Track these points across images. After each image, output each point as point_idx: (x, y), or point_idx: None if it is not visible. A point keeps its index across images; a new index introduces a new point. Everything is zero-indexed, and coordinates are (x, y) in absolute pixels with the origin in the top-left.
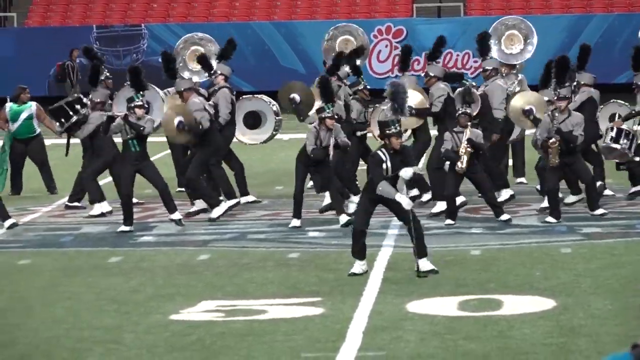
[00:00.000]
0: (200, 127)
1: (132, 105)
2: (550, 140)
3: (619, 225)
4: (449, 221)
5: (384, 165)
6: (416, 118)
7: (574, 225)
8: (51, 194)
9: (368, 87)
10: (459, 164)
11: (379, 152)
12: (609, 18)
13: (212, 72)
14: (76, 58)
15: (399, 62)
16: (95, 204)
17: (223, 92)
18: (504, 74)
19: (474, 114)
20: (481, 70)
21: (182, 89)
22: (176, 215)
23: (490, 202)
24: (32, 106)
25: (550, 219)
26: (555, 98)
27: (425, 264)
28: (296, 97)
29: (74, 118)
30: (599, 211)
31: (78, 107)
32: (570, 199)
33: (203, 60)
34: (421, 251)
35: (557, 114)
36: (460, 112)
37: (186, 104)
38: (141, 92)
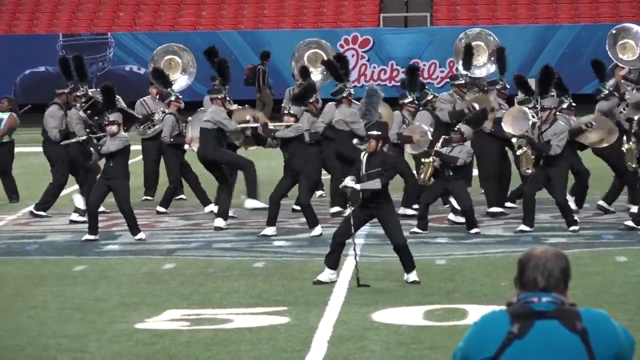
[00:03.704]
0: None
1: (105, 123)
2: (518, 151)
3: (585, 235)
4: (416, 229)
5: (361, 169)
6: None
7: (539, 236)
8: (10, 202)
9: (320, 99)
10: (420, 175)
11: (362, 154)
12: (575, 29)
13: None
14: (267, 62)
15: (407, 83)
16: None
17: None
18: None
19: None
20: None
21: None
22: (140, 235)
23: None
24: (7, 115)
25: (523, 227)
26: (539, 108)
27: (411, 276)
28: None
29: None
30: (574, 227)
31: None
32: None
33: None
34: (409, 266)
35: (539, 124)
36: (454, 129)
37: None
38: (110, 110)
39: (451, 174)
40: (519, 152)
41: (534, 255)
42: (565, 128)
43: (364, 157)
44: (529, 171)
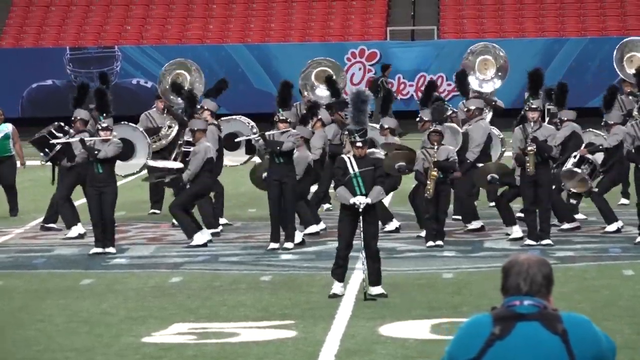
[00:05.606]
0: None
1: (97, 127)
2: (529, 148)
3: (592, 249)
4: (439, 242)
5: (349, 170)
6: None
7: (547, 249)
8: (11, 216)
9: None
10: (426, 191)
11: (344, 156)
12: (582, 42)
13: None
14: (388, 74)
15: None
16: (72, 227)
17: (210, 129)
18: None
19: (455, 150)
20: (465, 110)
21: (195, 129)
22: (111, 249)
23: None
24: (9, 127)
25: (529, 241)
26: (527, 109)
27: (376, 290)
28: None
29: (57, 147)
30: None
31: (60, 135)
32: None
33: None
34: (375, 280)
35: (528, 126)
36: (431, 129)
37: (196, 145)
38: (104, 114)
39: (441, 176)
40: (529, 149)
41: (517, 261)
42: (555, 131)
43: (350, 159)
44: (529, 170)
